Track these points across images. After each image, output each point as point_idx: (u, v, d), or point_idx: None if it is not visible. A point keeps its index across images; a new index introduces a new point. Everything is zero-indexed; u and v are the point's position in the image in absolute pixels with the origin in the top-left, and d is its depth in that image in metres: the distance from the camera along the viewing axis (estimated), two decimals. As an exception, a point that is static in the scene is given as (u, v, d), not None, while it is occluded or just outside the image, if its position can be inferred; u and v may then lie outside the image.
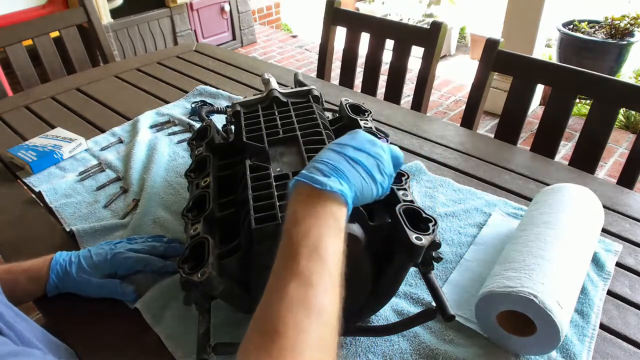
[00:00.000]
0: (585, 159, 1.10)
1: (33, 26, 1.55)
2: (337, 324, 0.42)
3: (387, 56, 1.43)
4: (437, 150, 1.07)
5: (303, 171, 0.49)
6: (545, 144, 1.17)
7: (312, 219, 0.45)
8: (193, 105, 1.23)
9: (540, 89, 2.50)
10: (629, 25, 2.85)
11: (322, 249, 0.44)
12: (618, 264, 0.76)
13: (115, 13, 2.90)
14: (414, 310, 0.68)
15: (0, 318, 0.48)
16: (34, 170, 1.01)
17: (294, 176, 0.62)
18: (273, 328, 0.39)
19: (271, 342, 0.38)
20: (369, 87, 1.51)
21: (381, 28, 1.47)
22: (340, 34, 1.57)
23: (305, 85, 0.87)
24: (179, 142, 1.11)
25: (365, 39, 1.50)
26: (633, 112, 2.52)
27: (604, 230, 0.82)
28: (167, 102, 1.31)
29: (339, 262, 0.45)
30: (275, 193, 0.59)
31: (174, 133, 1.15)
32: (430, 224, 0.57)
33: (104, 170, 1.03)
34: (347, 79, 1.58)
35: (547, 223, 0.68)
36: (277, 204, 0.57)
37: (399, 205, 0.59)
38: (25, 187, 0.98)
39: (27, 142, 1.09)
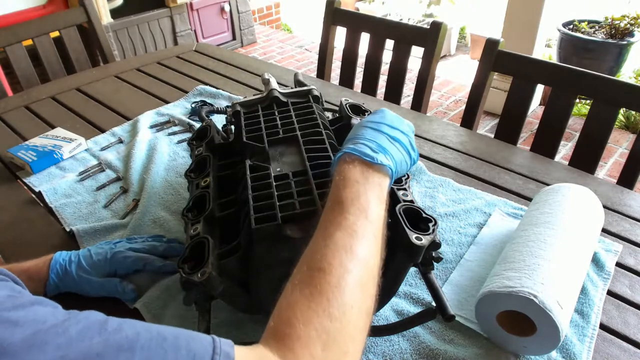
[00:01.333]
0: (585, 159, 1.10)
1: (33, 26, 1.55)
2: (377, 277, 0.46)
3: (387, 56, 1.43)
4: (437, 150, 1.07)
5: (350, 145, 0.53)
6: (545, 144, 1.17)
7: (362, 186, 0.49)
8: (193, 105, 1.23)
9: (540, 89, 2.50)
10: (629, 25, 2.85)
11: (369, 212, 0.48)
12: (618, 264, 0.76)
13: (115, 13, 2.90)
14: (414, 310, 0.68)
15: None
16: (34, 170, 1.01)
17: (294, 176, 0.62)
18: (319, 266, 0.43)
19: (317, 277, 0.42)
20: (369, 87, 1.51)
21: (381, 28, 1.47)
22: (340, 34, 1.57)
23: (305, 85, 0.87)
24: (179, 142, 1.11)
25: (365, 39, 1.50)
26: (633, 112, 2.52)
27: (604, 230, 0.82)
28: (167, 102, 1.31)
29: (382, 227, 0.49)
30: (275, 193, 0.59)
31: (174, 133, 1.15)
32: (430, 224, 0.57)
33: (104, 170, 1.03)
34: (347, 79, 1.58)
35: (547, 223, 0.68)
36: (277, 204, 0.57)
37: (399, 205, 0.59)
38: (25, 187, 0.98)
39: (27, 142, 1.09)
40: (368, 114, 0.79)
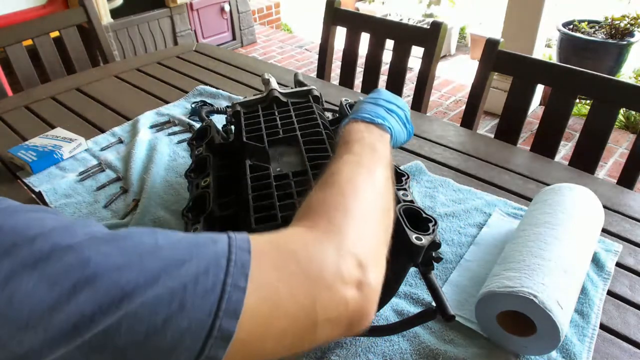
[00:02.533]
0: (585, 159, 1.10)
1: (33, 26, 1.55)
2: (388, 189, 0.49)
3: (387, 56, 1.43)
4: (437, 150, 1.07)
5: (350, 116, 0.59)
6: (545, 144, 1.17)
7: (366, 133, 0.55)
8: (193, 105, 1.23)
9: (540, 89, 2.50)
10: (629, 25, 2.85)
11: (374, 146, 0.53)
12: (618, 264, 0.76)
13: (115, 13, 2.90)
14: (414, 310, 0.68)
15: None
16: (34, 170, 1.01)
17: (294, 176, 0.62)
18: (331, 173, 0.47)
19: (329, 178, 0.46)
20: (369, 87, 1.51)
21: (381, 28, 1.47)
22: (340, 34, 1.57)
23: (305, 85, 0.87)
24: (179, 142, 1.11)
25: (365, 39, 1.50)
26: (633, 112, 2.52)
27: (604, 230, 0.82)
28: (167, 102, 1.31)
29: (388, 159, 0.53)
30: (275, 193, 0.59)
31: (174, 133, 1.15)
32: (430, 224, 0.57)
33: (104, 170, 1.03)
34: (347, 79, 1.58)
35: (547, 223, 0.68)
36: (277, 204, 0.57)
37: (399, 205, 0.59)
38: (25, 187, 0.98)
39: (27, 142, 1.09)
40: None
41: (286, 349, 0.35)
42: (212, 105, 1.23)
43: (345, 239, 0.39)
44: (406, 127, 0.63)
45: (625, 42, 2.81)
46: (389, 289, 0.61)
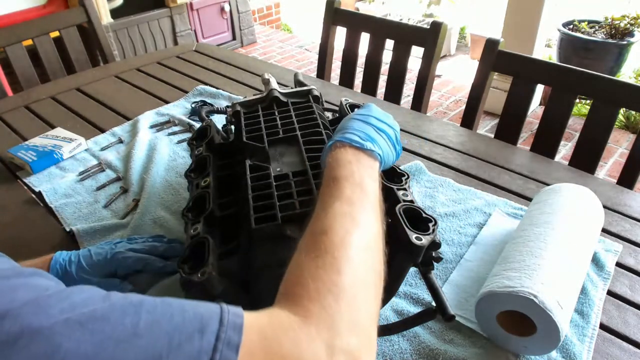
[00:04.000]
0: (585, 159, 1.10)
1: (33, 26, 1.55)
2: (381, 242, 0.46)
3: (387, 56, 1.43)
4: (437, 150, 1.07)
5: (340, 135, 0.56)
6: (545, 144, 1.17)
7: (354, 165, 0.52)
8: (193, 105, 1.23)
9: (540, 89, 2.50)
10: (629, 25, 2.85)
11: (364, 186, 0.50)
12: (618, 264, 0.76)
13: (115, 13, 2.90)
14: (414, 310, 0.68)
15: None
16: (34, 170, 1.01)
17: (294, 176, 0.62)
18: (321, 230, 0.44)
19: (320, 240, 0.43)
20: (369, 87, 1.51)
21: (381, 28, 1.47)
22: (340, 34, 1.57)
23: (305, 85, 0.87)
24: (179, 142, 1.11)
25: (365, 39, 1.50)
26: (633, 112, 2.52)
27: (604, 230, 0.82)
28: (167, 102, 1.31)
29: (379, 200, 0.50)
30: (275, 193, 0.59)
31: (174, 133, 1.15)
32: (430, 224, 0.57)
33: (104, 170, 1.03)
34: (347, 79, 1.58)
35: (547, 223, 0.68)
36: (277, 204, 0.57)
37: (399, 205, 0.59)
38: (25, 187, 0.98)
39: (27, 142, 1.09)
40: None
41: None
42: (212, 105, 1.23)
43: (338, 332, 0.36)
44: (395, 149, 0.60)
45: (625, 42, 2.81)
46: (389, 289, 0.61)
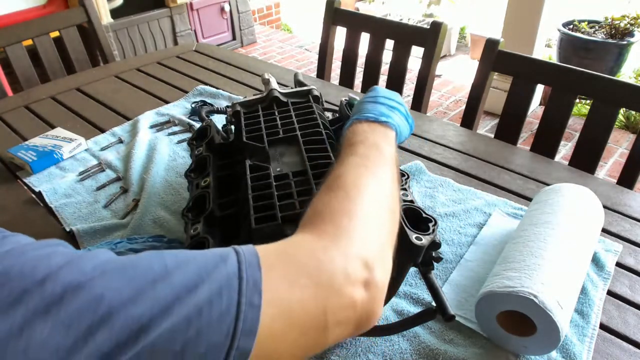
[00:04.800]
0: (585, 159, 1.10)
1: (33, 26, 1.55)
2: (393, 191, 0.48)
3: (387, 56, 1.43)
4: (437, 150, 1.07)
5: (353, 117, 0.59)
6: (545, 144, 1.17)
7: (370, 133, 0.55)
8: (193, 105, 1.23)
9: (540, 89, 2.50)
10: (629, 25, 2.85)
11: (379, 147, 0.53)
12: (618, 264, 0.76)
13: (115, 13, 2.90)
14: (414, 310, 0.68)
15: None
16: (34, 170, 1.01)
17: (294, 176, 0.62)
18: (336, 174, 0.47)
19: (335, 181, 0.46)
20: (369, 87, 1.50)
21: (381, 28, 1.47)
22: (340, 34, 1.57)
23: (305, 85, 0.87)
24: (179, 142, 1.11)
25: (365, 39, 1.50)
26: (633, 112, 2.52)
27: (604, 230, 0.82)
28: (167, 102, 1.31)
29: (394, 162, 0.52)
30: (275, 193, 0.59)
31: (174, 133, 1.15)
32: (430, 224, 0.57)
33: (104, 170, 1.03)
34: (347, 79, 1.58)
35: (547, 223, 0.68)
36: (277, 204, 0.57)
37: (399, 205, 0.58)
38: (25, 187, 0.98)
39: (27, 142, 1.09)
40: None
41: (299, 356, 0.36)
42: (212, 105, 1.23)
43: (352, 243, 0.39)
44: (408, 122, 0.63)
45: (625, 42, 2.81)
46: (390, 288, 0.61)
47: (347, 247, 0.39)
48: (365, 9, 4.21)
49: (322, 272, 0.37)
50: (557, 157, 1.45)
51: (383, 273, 0.40)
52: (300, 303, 0.35)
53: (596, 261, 0.75)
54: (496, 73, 1.24)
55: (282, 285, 0.35)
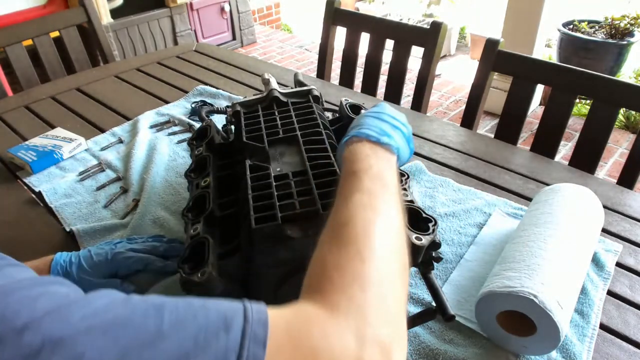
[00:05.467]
0: (585, 159, 1.10)
1: (33, 26, 1.55)
2: (403, 232, 0.46)
3: (387, 56, 1.43)
4: (437, 150, 1.07)
5: (354, 131, 0.55)
6: (545, 144, 1.17)
7: (372, 159, 0.51)
8: (193, 105, 1.23)
9: (540, 89, 2.50)
10: (629, 25, 2.85)
11: (383, 178, 0.49)
12: (618, 264, 0.76)
13: (115, 13, 2.90)
14: (414, 310, 0.68)
15: None
16: (34, 170, 1.01)
17: (294, 176, 0.62)
18: (343, 222, 0.43)
19: (342, 231, 0.42)
20: (369, 87, 1.51)
21: (381, 28, 1.47)
22: (340, 34, 1.57)
23: (305, 85, 0.87)
24: (179, 142, 1.11)
25: (365, 39, 1.50)
26: (633, 112, 2.52)
27: (604, 230, 0.82)
28: (167, 102, 1.31)
29: (398, 192, 0.50)
30: (275, 193, 0.59)
31: (174, 133, 1.15)
32: (430, 224, 0.57)
33: (104, 170, 1.03)
34: (347, 79, 1.58)
35: (547, 223, 0.68)
36: (277, 204, 0.57)
37: (399, 205, 0.58)
38: (25, 187, 0.98)
39: (27, 142, 1.09)
40: None
41: None
42: (212, 105, 1.23)
43: (367, 321, 0.35)
44: (409, 146, 0.60)
45: (625, 42, 2.81)
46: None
47: (362, 327, 0.35)
48: (365, 9, 4.22)
49: None
50: (557, 157, 1.45)
51: (400, 351, 0.36)
52: None
53: (596, 261, 0.75)
54: (496, 73, 1.24)
55: None
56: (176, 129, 1.17)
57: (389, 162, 0.53)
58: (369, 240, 0.41)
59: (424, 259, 0.57)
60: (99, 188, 0.97)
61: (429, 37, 1.35)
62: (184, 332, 0.30)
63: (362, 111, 0.77)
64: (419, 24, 2.08)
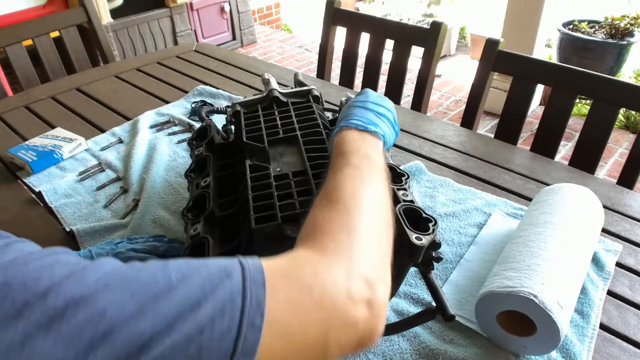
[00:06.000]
0: (585, 159, 1.10)
1: (33, 26, 1.55)
2: (389, 200, 0.50)
3: (387, 56, 1.43)
4: (437, 150, 1.07)
5: (343, 122, 0.59)
6: (545, 144, 1.17)
7: (360, 142, 0.56)
8: (193, 105, 1.23)
9: (540, 89, 2.50)
10: (629, 25, 2.85)
11: (370, 157, 0.53)
12: (618, 264, 0.76)
13: (115, 13, 2.90)
14: (414, 310, 0.68)
15: None
16: (34, 170, 1.01)
17: (294, 176, 0.62)
18: (333, 188, 0.48)
19: (332, 195, 0.47)
20: (369, 87, 1.50)
21: (381, 28, 1.47)
22: (340, 34, 1.57)
23: (305, 85, 0.87)
24: (179, 142, 1.11)
25: (365, 39, 1.50)
26: (633, 112, 2.52)
27: (604, 230, 0.82)
28: (167, 102, 1.31)
29: (385, 169, 0.53)
30: (275, 193, 0.59)
31: (174, 133, 1.15)
32: (430, 224, 0.57)
33: (104, 170, 1.03)
34: (347, 79, 1.58)
35: (547, 223, 0.68)
36: (277, 204, 0.57)
37: (399, 205, 0.59)
38: (25, 187, 0.98)
39: (27, 142, 1.08)
40: None
41: None
42: (212, 105, 1.23)
43: (353, 261, 0.40)
44: (394, 129, 0.64)
45: (625, 42, 2.81)
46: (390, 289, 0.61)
47: (349, 265, 0.39)
48: (365, 9, 4.21)
49: (326, 295, 0.37)
50: (557, 157, 1.45)
51: (384, 290, 0.40)
52: (302, 326, 0.35)
53: (596, 261, 0.75)
54: (496, 73, 1.24)
55: (285, 307, 0.35)
56: (176, 129, 1.17)
57: (375, 145, 0.57)
58: (356, 200, 0.46)
59: (424, 259, 0.57)
60: (99, 188, 0.97)
61: (429, 37, 1.35)
62: (191, 283, 0.33)
63: (347, 99, 0.78)
64: (419, 24, 2.08)
